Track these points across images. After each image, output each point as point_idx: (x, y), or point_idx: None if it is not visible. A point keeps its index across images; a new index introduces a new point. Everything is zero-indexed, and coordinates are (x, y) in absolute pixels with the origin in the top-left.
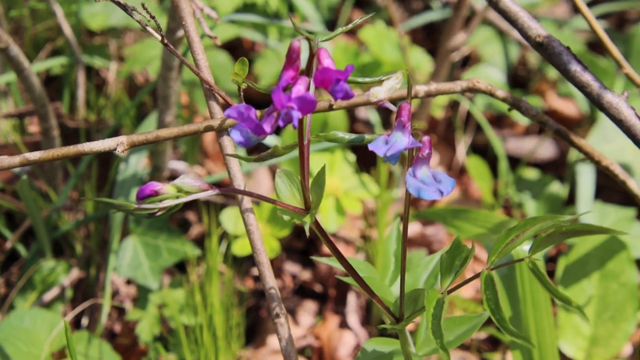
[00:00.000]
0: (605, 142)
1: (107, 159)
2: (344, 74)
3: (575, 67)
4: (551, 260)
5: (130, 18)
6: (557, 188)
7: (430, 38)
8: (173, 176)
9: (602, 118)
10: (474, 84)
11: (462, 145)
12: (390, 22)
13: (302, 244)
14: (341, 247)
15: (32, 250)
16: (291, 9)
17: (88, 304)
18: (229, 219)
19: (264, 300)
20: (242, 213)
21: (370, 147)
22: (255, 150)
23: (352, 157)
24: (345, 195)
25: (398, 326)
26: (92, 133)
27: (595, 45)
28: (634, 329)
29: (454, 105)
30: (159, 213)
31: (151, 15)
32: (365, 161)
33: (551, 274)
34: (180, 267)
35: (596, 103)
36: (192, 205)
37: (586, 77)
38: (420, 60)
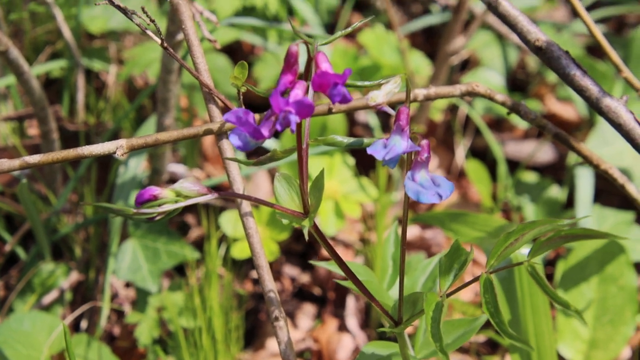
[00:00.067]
0: (604, 145)
1: (106, 162)
2: (342, 78)
3: (574, 71)
4: (550, 264)
5: (129, 21)
6: (556, 192)
7: (429, 42)
8: (172, 179)
9: (601, 122)
10: (473, 88)
11: (461, 149)
12: (389, 26)
13: (301, 247)
14: (340, 250)
15: (31, 253)
16: (290, 12)
17: (87, 306)
18: (228, 222)
19: (263, 303)
20: (242, 216)
21: (369, 150)
22: (255, 154)
23: (351, 160)
24: (344, 198)
25: (397, 329)
26: (92, 136)
27: (594, 49)
28: (632, 332)
29: (453, 109)
30: (157, 218)
31: (151, 18)
32: (365, 164)
33: (550, 277)
34: (180, 270)
35: (595, 107)
36: (191, 208)
37: (585, 81)
38: (420, 63)
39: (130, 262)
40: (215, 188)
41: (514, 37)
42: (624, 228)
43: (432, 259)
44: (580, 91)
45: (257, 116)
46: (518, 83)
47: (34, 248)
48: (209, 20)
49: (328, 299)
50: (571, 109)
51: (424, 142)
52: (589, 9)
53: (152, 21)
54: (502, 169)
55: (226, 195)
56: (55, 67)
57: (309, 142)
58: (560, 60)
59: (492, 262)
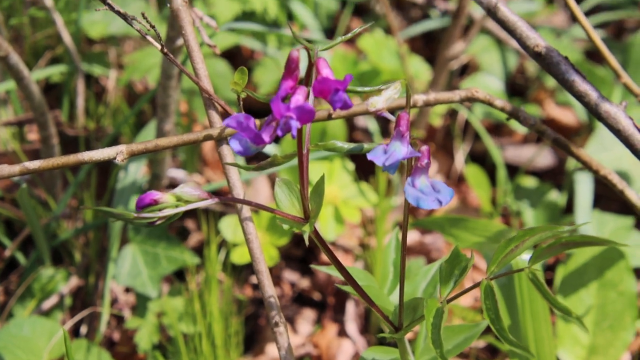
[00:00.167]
0: (603, 150)
1: (106, 167)
2: (343, 84)
3: (573, 77)
4: (549, 269)
5: (129, 26)
6: (556, 196)
7: (428, 46)
8: (172, 184)
9: (600, 127)
10: (472, 94)
11: (460, 154)
12: (389, 31)
13: (301, 252)
14: (340, 256)
15: (31, 259)
16: (290, 17)
17: (87, 312)
18: (228, 227)
19: (263, 308)
20: (241, 222)
21: (369, 156)
22: (254, 159)
23: (351, 165)
24: (344, 203)
25: (397, 335)
26: (92, 141)
27: (594, 54)
28: (632, 338)
29: (452, 114)
30: (158, 222)
31: (151, 24)
32: (364, 169)
33: (549, 282)
34: (179, 276)
35: (594, 113)
36: (191, 213)
37: (584, 87)
38: (419, 68)
39: (130, 268)
40: (215, 193)
41: (513, 42)
42: (623, 233)
43: (432, 265)
44: (580, 97)
45: (257, 121)
46: (517, 88)
47: (33, 253)
48: (208, 25)
49: (328, 304)
50: (570, 114)
51: (424, 148)
52: (588, 14)
53: (153, 27)
54: (502, 173)
55: (227, 200)
56: (55, 72)
57: (309, 147)
58: (560, 65)
59: (493, 269)
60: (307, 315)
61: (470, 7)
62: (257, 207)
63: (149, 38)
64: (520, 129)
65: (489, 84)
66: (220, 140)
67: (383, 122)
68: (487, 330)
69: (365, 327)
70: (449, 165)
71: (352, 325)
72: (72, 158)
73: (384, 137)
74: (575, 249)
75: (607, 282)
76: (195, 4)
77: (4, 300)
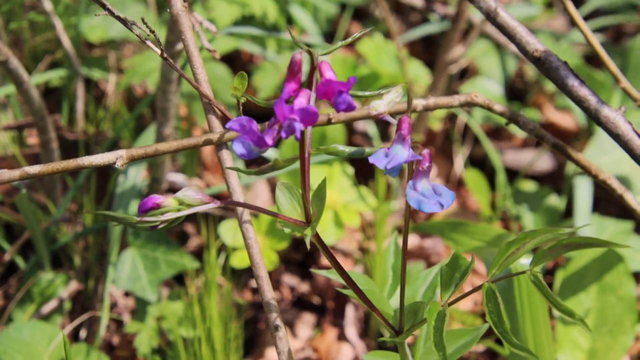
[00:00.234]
0: (602, 154)
1: (105, 171)
2: (347, 86)
3: (572, 82)
4: (549, 273)
5: (129, 30)
6: (555, 201)
7: (428, 50)
8: (172, 188)
9: (600, 131)
10: (472, 99)
11: (459, 158)
12: (388, 35)
13: (301, 256)
14: (339, 260)
15: (30, 263)
16: (290, 21)
17: (86, 316)
18: (228, 231)
19: (262, 312)
20: (241, 226)
21: (371, 160)
22: (254, 163)
23: (350, 169)
24: (343, 208)
25: (398, 339)
26: (91, 145)
27: (593, 58)
28: (632, 342)
29: (451, 118)
30: (161, 226)
31: (151, 29)
32: (364, 174)
33: (549, 286)
34: (179, 280)
35: (593, 117)
36: (190, 217)
37: (583, 92)
38: (419, 72)
39: (129, 272)
40: (215, 197)
41: (513, 47)
42: (623, 237)
43: (432, 269)
44: (579, 102)
45: (258, 126)
46: (516, 92)
47: (33, 257)
48: (208, 30)
49: (327, 308)
50: (569, 118)
51: (425, 151)
52: (587, 18)
53: (152, 32)
54: (501, 178)
55: (229, 204)
56: (55, 76)
57: (310, 151)
58: (559, 71)
59: (494, 271)
60: (307, 320)
61: (470, 11)
62: (259, 211)
63: (149, 43)
64: (520, 133)
65: (488, 88)
66: (220, 144)
67: (382, 126)
68: (487, 334)
69: (365, 331)
70: (448, 169)
71: (351, 330)
72: (72, 163)
73: (383, 141)
74: (576, 251)
75: (606, 286)
76: (195, 8)
77: (4, 305)
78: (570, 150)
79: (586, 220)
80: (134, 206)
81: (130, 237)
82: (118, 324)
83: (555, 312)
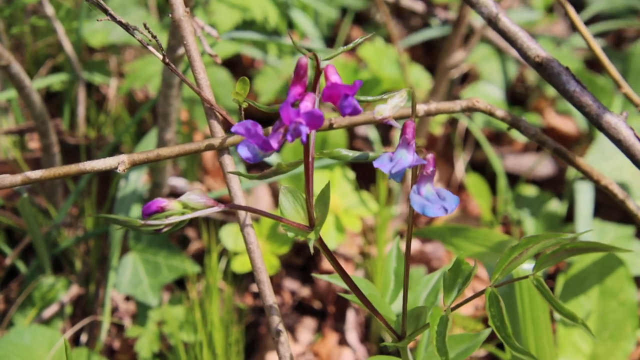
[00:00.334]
0: (604, 160)
1: (107, 176)
2: (352, 90)
3: (574, 87)
4: (550, 278)
5: (130, 35)
6: (556, 205)
7: (429, 55)
8: (173, 193)
9: (601, 136)
10: (473, 104)
11: (460, 162)
12: (389, 39)
13: (302, 261)
14: (340, 264)
15: (31, 267)
16: (290, 25)
17: (87, 320)
18: (229, 235)
19: (263, 317)
20: (243, 231)
21: (376, 164)
22: (254, 168)
23: (351, 174)
24: (345, 212)
25: (401, 344)
26: (93, 149)
27: (594, 63)
28: (633, 348)
29: (452, 122)
30: (165, 229)
31: (153, 34)
32: (365, 178)
33: (550, 290)
34: (180, 284)
35: (595, 123)
36: (192, 222)
37: (585, 98)
38: (420, 77)
39: (130, 276)
40: (219, 201)
41: (514, 51)
42: (624, 242)
43: (434, 274)
44: (581, 107)
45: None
46: (517, 96)
47: (34, 262)
48: (209, 34)
49: (328, 313)
50: (570, 123)
51: (430, 155)
52: (588, 23)
53: (154, 37)
54: (502, 182)
55: (233, 207)
56: (56, 80)
57: (314, 155)
58: (560, 76)
59: (497, 276)
60: (308, 324)
61: (471, 16)
62: (263, 215)
63: (151, 48)
64: (521, 138)
65: (489, 92)
66: (222, 149)
67: (383, 131)
68: (488, 339)
69: (366, 335)
70: (449, 174)
71: (352, 334)
72: (73, 168)
73: (385, 145)
74: (578, 255)
75: (607, 290)
76: (196, 12)
77: (5, 309)
78: (572, 155)
79: (587, 225)
80: (135, 210)
81: (131, 241)
82: (119, 328)
83: (557, 316)
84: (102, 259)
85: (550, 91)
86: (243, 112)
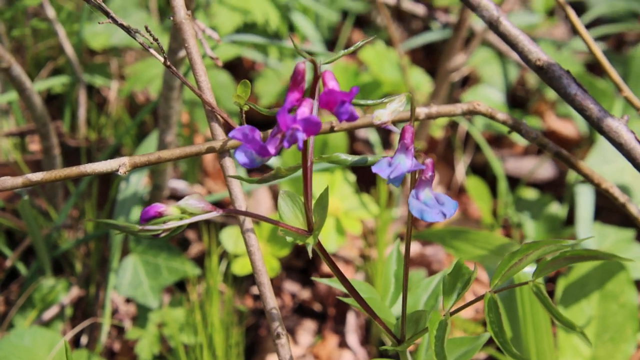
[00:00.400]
0: (604, 163)
1: (107, 178)
2: (349, 96)
3: (575, 91)
4: (550, 281)
5: (131, 38)
6: (556, 208)
7: (429, 58)
8: (173, 195)
9: (602, 139)
10: (474, 107)
11: (461, 165)
12: (390, 42)
13: (302, 263)
14: (340, 267)
15: (32, 269)
16: (291, 28)
17: (88, 322)
18: (229, 238)
19: (264, 319)
20: (243, 234)
21: (374, 169)
22: (257, 171)
23: (352, 177)
24: (345, 215)
25: (400, 347)
26: (93, 152)
27: (594, 66)
28: (633, 350)
29: (453, 125)
30: (163, 234)
31: (154, 37)
32: (365, 181)
33: (550, 294)
34: (180, 286)
35: (596, 126)
36: (192, 224)
37: (586, 101)
38: (420, 80)
39: (131, 278)
40: (217, 204)
41: (514, 55)
42: (624, 246)
43: (434, 277)
44: (582, 111)
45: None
46: (518, 100)
47: (34, 263)
48: (210, 37)
49: (328, 315)
50: (571, 126)
51: (428, 160)
52: (588, 26)
53: (156, 40)
54: (503, 185)
55: (231, 212)
56: (57, 83)
57: (313, 159)
58: (561, 79)
59: (496, 282)
60: (308, 326)
61: (471, 19)
62: (261, 220)
63: (152, 51)
64: (521, 141)
65: (490, 96)
66: (223, 152)
67: (384, 134)
68: (489, 342)
69: (366, 338)
70: (449, 177)
71: (352, 337)
72: (74, 170)
73: (385, 148)
74: (578, 262)
75: (608, 294)
76: (197, 15)
77: (5, 311)
78: (573, 158)
79: (588, 229)
80: (135, 213)
81: (131, 243)
82: (119, 330)
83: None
84: (102, 261)
85: (551, 94)
86: (244, 115)
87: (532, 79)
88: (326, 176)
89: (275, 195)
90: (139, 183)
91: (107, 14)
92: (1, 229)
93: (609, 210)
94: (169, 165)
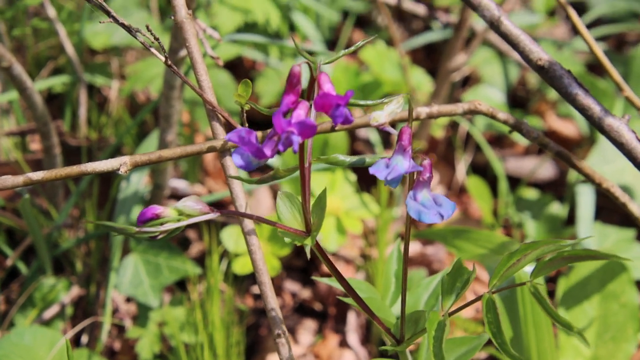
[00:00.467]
0: (605, 163)
1: (108, 177)
2: (344, 99)
3: (576, 90)
4: (551, 281)
5: (132, 37)
6: (557, 208)
7: (430, 58)
8: (174, 194)
9: (602, 139)
10: (475, 106)
11: (462, 165)
12: (390, 42)
13: (302, 263)
14: (341, 266)
15: (32, 268)
16: (292, 28)
17: (88, 321)
18: (230, 237)
19: (264, 318)
20: (244, 233)
21: (371, 170)
22: (257, 170)
23: (352, 176)
24: (346, 214)
25: (399, 348)
26: (94, 151)
27: (595, 66)
28: (634, 350)
29: (453, 125)
30: (160, 236)
31: (155, 37)
32: (366, 180)
33: (551, 294)
34: (181, 285)
35: (597, 126)
36: (192, 223)
37: (587, 100)
38: (421, 80)
39: (131, 277)
40: (217, 204)
41: (515, 55)
42: (625, 245)
43: (434, 277)
44: (583, 110)
45: (259, 134)
46: (518, 100)
47: (35, 262)
48: (211, 37)
49: (329, 315)
50: (572, 126)
51: (426, 161)
52: (589, 26)
53: (157, 39)
54: (503, 185)
55: (228, 213)
56: (58, 82)
57: (311, 160)
58: (563, 79)
59: (495, 282)
60: (308, 326)
61: (472, 19)
62: (259, 221)
63: (153, 50)
64: (522, 141)
65: (490, 95)
66: (224, 151)
67: (385, 133)
68: (489, 342)
69: (367, 337)
70: (450, 177)
71: (353, 336)
72: (75, 169)
73: (386, 148)
74: (577, 262)
75: (609, 293)
76: (197, 14)
77: (6, 310)
78: (574, 158)
79: (589, 228)
80: (136, 212)
81: (132, 242)
82: (120, 329)
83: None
84: (103, 260)
85: (552, 94)
86: (245, 115)
87: (532, 79)
88: (327, 175)
89: (276, 195)
90: (140, 182)
91: (108, 14)
92: (2, 228)
93: (610, 210)
94: (170, 165)
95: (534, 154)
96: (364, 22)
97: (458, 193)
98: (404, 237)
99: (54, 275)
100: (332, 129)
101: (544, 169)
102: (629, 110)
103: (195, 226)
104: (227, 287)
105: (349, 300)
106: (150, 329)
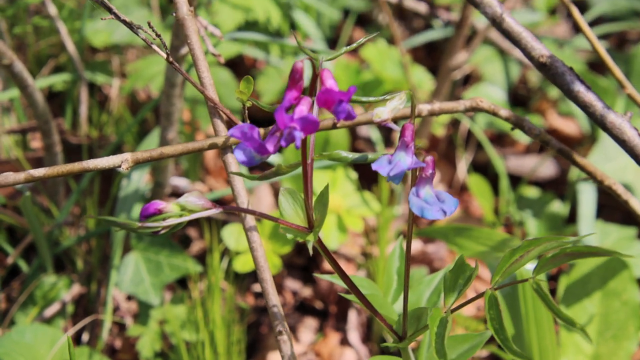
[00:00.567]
0: (606, 161)
1: (109, 175)
2: (347, 95)
3: (578, 87)
4: (552, 279)
5: (133, 35)
6: (558, 206)
7: (431, 56)
8: (175, 192)
9: (603, 137)
10: (477, 104)
11: (463, 163)
12: (391, 40)
13: (303, 261)
14: (342, 264)
15: (33, 266)
16: (293, 26)
17: (89, 319)
18: (231, 235)
19: (265, 316)
20: (246, 230)
21: (374, 166)
22: (258, 167)
23: (353, 174)
24: (347, 212)
25: (401, 344)
26: (95, 149)
27: (596, 65)
28: (635, 348)
29: (455, 123)
30: (162, 232)
31: (157, 33)
32: (367, 178)
33: (552, 292)
34: (182, 283)
35: (599, 123)
36: (193, 221)
37: (589, 97)
38: (422, 78)
39: (132, 275)
40: (218, 201)
41: (516, 53)
42: (626, 243)
43: (436, 274)
44: (585, 107)
45: (261, 130)
46: (519, 98)
47: (36, 260)
48: (212, 34)
49: (330, 313)
50: (573, 124)
51: (429, 158)
52: (591, 25)
53: (159, 36)
54: (504, 183)
55: (231, 209)
56: (59, 80)
57: (313, 157)
58: (565, 76)
59: (497, 279)
60: (309, 324)
61: (473, 17)
62: (261, 217)
63: (155, 47)
64: (523, 139)
65: (491, 94)
66: (225, 148)
67: (385, 131)
68: (491, 340)
69: (368, 335)
70: (451, 175)
71: (354, 334)
72: (77, 166)
73: (387, 146)
74: (579, 259)
75: (610, 291)
76: (198, 12)
77: (6, 308)
78: (576, 155)
79: (590, 226)
80: (137, 210)
81: (133, 240)
82: (120, 327)
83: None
84: (103, 258)
85: (553, 93)
86: (246, 112)
87: (533, 77)
88: (328, 173)
89: (276, 192)
90: (141, 180)
91: (109, 10)
92: (3, 226)
93: (611, 208)
94: (171, 163)
95: (535, 152)
96: (364, 21)
97: (459, 191)
98: (405, 235)
99: (55, 273)
100: (334, 126)
101: (545, 167)
102: (630, 108)
103: (196, 224)
104: (228, 285)
105: (351, 297)
106: (151, 327)
